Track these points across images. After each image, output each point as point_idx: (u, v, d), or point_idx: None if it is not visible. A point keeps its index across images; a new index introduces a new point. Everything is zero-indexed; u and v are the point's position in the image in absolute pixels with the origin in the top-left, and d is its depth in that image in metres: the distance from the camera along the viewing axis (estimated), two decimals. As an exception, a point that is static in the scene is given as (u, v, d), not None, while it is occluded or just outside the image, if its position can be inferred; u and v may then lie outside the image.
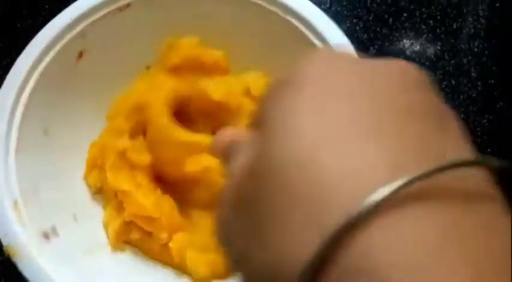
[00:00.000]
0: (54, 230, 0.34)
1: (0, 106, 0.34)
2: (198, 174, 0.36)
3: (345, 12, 0.50)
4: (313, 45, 0.35)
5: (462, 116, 0.46)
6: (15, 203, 0.32)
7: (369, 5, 0.51)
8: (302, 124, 0.13)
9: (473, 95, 0.47)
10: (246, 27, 0.39)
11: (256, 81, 0.40)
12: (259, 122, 0.14)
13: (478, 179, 0.12)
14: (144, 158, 0.36)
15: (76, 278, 0.31)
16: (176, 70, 0.38)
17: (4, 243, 0.31)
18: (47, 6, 0.49)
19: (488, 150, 0.44)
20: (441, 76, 0.48)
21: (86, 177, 0.38)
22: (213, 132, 0.39)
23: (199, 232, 0.37)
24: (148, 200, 0.35)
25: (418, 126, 0.12)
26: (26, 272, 0.30)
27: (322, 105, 0.13)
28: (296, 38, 0.36)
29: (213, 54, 0.39)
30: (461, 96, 0.47)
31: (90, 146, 0.39)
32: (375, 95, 0.13)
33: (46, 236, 0.33)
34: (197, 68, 0.39)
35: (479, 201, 0.11)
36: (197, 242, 0.36)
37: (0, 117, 0.33)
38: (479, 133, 0.46)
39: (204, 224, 0.37)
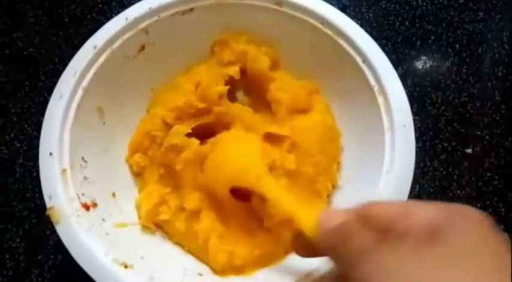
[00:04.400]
0: (93, 203, 0.36)
1: (63, 85, 0.37)
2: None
3: (374, 33, 0.51)
4: (357, 64, 0.38)
5: (486, 138, 0.47)
6: (64, 171, 0.35)
7: (397, 28, 0.53)
8: None
9: (497, 118, 0.48)
10: (295, 40, 0.41)
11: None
12: None
13: None
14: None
15: (108, 247, 0.33)
16: (228, 64, 0.41)
17: (48, 205, 0.33)
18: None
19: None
20: (466, 99, 0.49)
21: (127, 160, 0.41)
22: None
23: (227, 222, 0.38)
24: None
25: None
26: (62, 235, 0.33)
27: None
28: (341, 56, 0.39)
29: (261, 49, 0.42)
30: (486, 119, 0.48)
31: (135, 131, 0.41)
32: None
33: (86, 206, 0.35)
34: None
35: None
36: (223, 232, 0.37)
37: (61, 95, 0.36)
38: (502, 155, 0.46)
39: (233, 215, 0.38)
